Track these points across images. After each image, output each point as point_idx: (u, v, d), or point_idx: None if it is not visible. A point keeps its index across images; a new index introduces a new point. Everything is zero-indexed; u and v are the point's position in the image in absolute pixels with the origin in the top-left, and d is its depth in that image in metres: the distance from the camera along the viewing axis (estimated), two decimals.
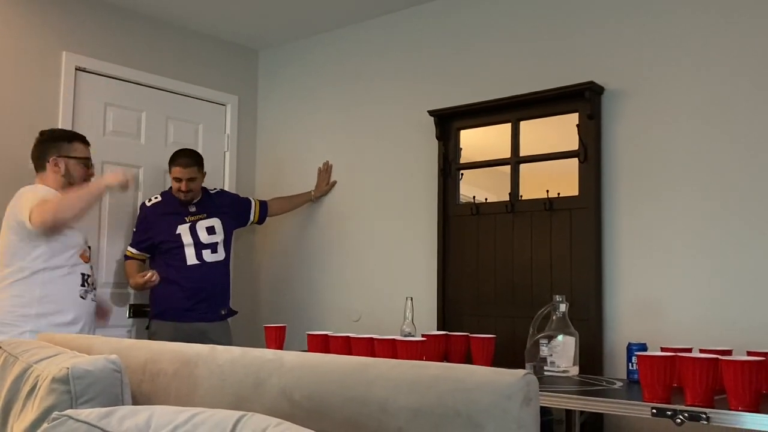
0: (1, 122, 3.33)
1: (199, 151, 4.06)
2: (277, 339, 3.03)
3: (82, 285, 2.92)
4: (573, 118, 3.08)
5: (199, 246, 3.53)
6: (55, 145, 3.03)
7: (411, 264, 3.60)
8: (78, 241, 2.95)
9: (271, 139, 4.38)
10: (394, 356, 2.55)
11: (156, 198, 3.62)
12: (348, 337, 2.82)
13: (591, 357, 2.85)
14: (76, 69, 3.61)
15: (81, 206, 2.82)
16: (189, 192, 3.55)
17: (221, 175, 4.21)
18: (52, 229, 2.80)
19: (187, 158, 3.56)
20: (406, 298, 2.99)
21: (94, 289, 3.05)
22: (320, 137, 4.09)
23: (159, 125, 3.97)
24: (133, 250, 3.61)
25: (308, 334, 2.95)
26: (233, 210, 3.77)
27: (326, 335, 2.90)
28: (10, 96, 3.36)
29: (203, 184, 3.68)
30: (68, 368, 1.47)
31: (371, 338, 2.73)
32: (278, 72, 4.38)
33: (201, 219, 3.57)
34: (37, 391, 1.54)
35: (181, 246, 3.50)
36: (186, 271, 3.50)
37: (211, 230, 3.58)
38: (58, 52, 3.55)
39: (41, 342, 1.94)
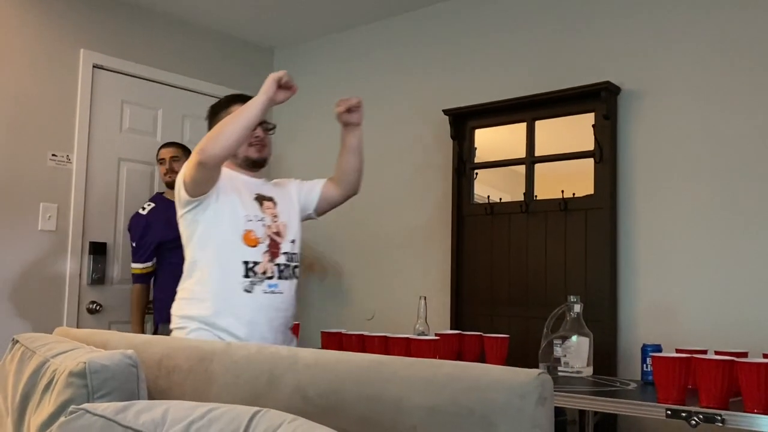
0: (20, 119, 3.36)
1: None
2: None
3: (246, 276, 2.30)
4: (589, 118, 3.06)
5: None
6: None
7: (425, 263, 3.60)
8: (234, 221, 2.34)
9: (286, 138, 4.39)
10: (408, 355, 2.55)
11: (150, 205, 3.51)
12: (362, 335, 2.82)
13: (605, 358, 2.84)
14: (93, 66, 3.63)
15: (231, 127, 2.18)
16: (174, 173, 3.44)
17: None
18: (208, 167, 2.20)
19: (171, 143, 3.59)
20: (420, 297, 2.99)
21: (272, 277, 2.35)
22: (335, 136, 4.09)
23: (175, 123, 3.99)
24: (141, 265, 3.45)
25: (322, 332, 2.95)
26: None
27: (340, 333, 2.90)
28: (28, 93, 3.39)
29: None
30: (85, 363, 1.48)
31: (385, 336, 2.73)
32: (293, 71, 4.37)
33: None
34: (54, 385, 1.55)
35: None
36: None
37: None
38: (75, 50, 3.57)
39: (58, 336, 1.96)
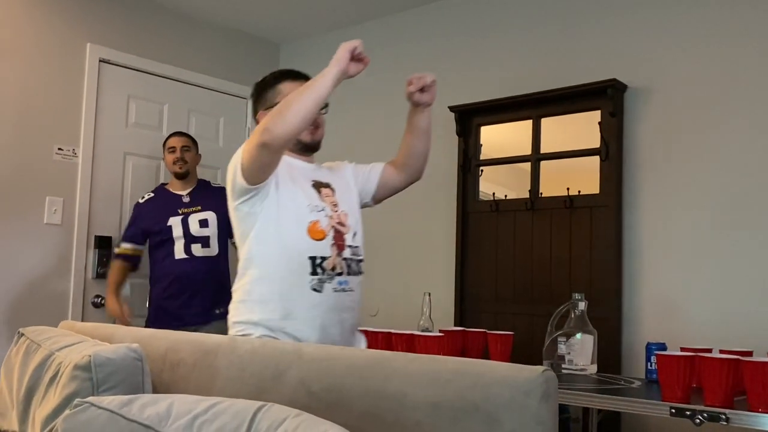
0: (27, 113, 3.36)
1: (220, 144, 4.10)
2: None
3: (314, 273, 2.02)
4: (595, 116, 3.06)
5: (189, 239, 3.34)
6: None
7: (429, 260, 3.60)
8: (297, 211, 2.05)
9: None
10: (412, 351, 2.55)
11: (150, 195, 3.49)
12: (366, 331, 2.82)
13: (609, 356, 2.84)
14: (99, 61, 3.64)
15: (300, 104, 1.91)
16: (184, 162, 3.43)
17: None
18: (272, 150, 1.90)
19: (181, 133, 3.55)
20: (424, 294, 2.99)
21: (341, 273, 2.08)
22: (340, 132, 4.09)
23: (181, 117, 3.99)
24: (126, 245, 3.40)
25: None
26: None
27: None
28: (35, 87, 3.40)
29: (203, 177, 3.59)
30: (90, 356, 1.49)
31: (389, 333, 2.73)
32: (299, 66, 4.35)
33: (195, 212, 3.39)
34: (59, 378, 1.56)
35: (171, 239, 3.33)
36: (174, 266, 3.33)
37: (203, 223, 3.36)
38: (82, 44, 3.58)
39: (63, 330, 1.97)
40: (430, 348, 2.55)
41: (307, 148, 2.21)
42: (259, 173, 1.97)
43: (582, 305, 2.62)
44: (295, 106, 1.89)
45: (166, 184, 3.53)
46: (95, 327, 2.03)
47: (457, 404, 1.10)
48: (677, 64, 2.92)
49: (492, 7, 3.54)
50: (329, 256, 2.05)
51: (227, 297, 3.41)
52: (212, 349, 1.54)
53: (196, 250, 3.33)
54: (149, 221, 3.40)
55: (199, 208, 3.40)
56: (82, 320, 3.46)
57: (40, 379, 1.66)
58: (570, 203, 3.10)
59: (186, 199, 3.43)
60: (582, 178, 3.12)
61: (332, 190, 2.18)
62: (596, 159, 3.05)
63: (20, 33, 3.36)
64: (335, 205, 2.14)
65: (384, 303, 3.75)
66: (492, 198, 3.37)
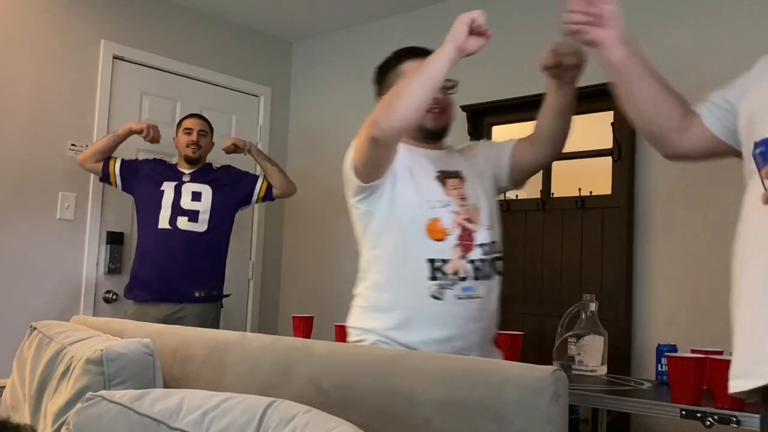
0: (40, 109, 3.38)
1: None
2: (304, 329, 3.04)
3: (432, 278, 1.79)
4: (608, 116, 3.04)
5: (176, 209, 3.22)
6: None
7: None
8: (415, 209, 1.84)
9: (304, 131, 4.39)
10: None
11: (169, 162, 3.47)
12: None
13: (619, 357, 2.83)
14: (113, 57, 3.65)
15: (410, 90, 1.71)
16: (198, 147, 3.33)
17: (253, 165, 4.23)
18: (383, 145, 1.76)
19: (198, 115, 3.48)
20: None
21: (465, 278, 1.82)
22: (353, 130, 4.07)
23: None
24: (117, 166, 3.32)
25: (336, 325, 2.96)
26: (235, 183, 3.43)
27: None
28: (49, 83, 3.42)
29: (210, 162, 3.49)
30: (102, 350, 1.50)
31: None
32: (312, 64, 4.40)
33: (191, 182, 3.31)
34: (71, 372, 1.57)
35: (159, 205, 3.22)
36: (155, 235, 3.22)
37: (196, 196, 3.26)
38: (96, 41, 3.60)
39: (75, 324, 1.98)
40: None
41: (432, 136, 1.97)
42: (372, 170, 1.80)
43: (593, 306, 2.61)
44: (403, 94, 1.70)
45: (176, 164, 3.47)
46: (107, 322, 2.04)
47: (467, 403, 1.10)
48: (689, 64, 2.90)
49: (503, 6, 3.53)
50: (451, 259, 1.80)
51: (213, 280, 3.34)
52: (222, 345, 1.55)
53: (182, 222, 3.21)
54: (144, 174, 3.32)
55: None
56: (94, 315, 3.48)
57: (52, 372, 1.68)
58: (581, 204, 3.09)
59: (186, 178, 3.34)
60: (594, 179, 3.10)
61: (461, 179, 1.91)
62: (608, 159, 3.04)
63: (34, 29, 3.38)
64: (463, 198, 1.87)
65: None
66: (503, 197, 3.36)
